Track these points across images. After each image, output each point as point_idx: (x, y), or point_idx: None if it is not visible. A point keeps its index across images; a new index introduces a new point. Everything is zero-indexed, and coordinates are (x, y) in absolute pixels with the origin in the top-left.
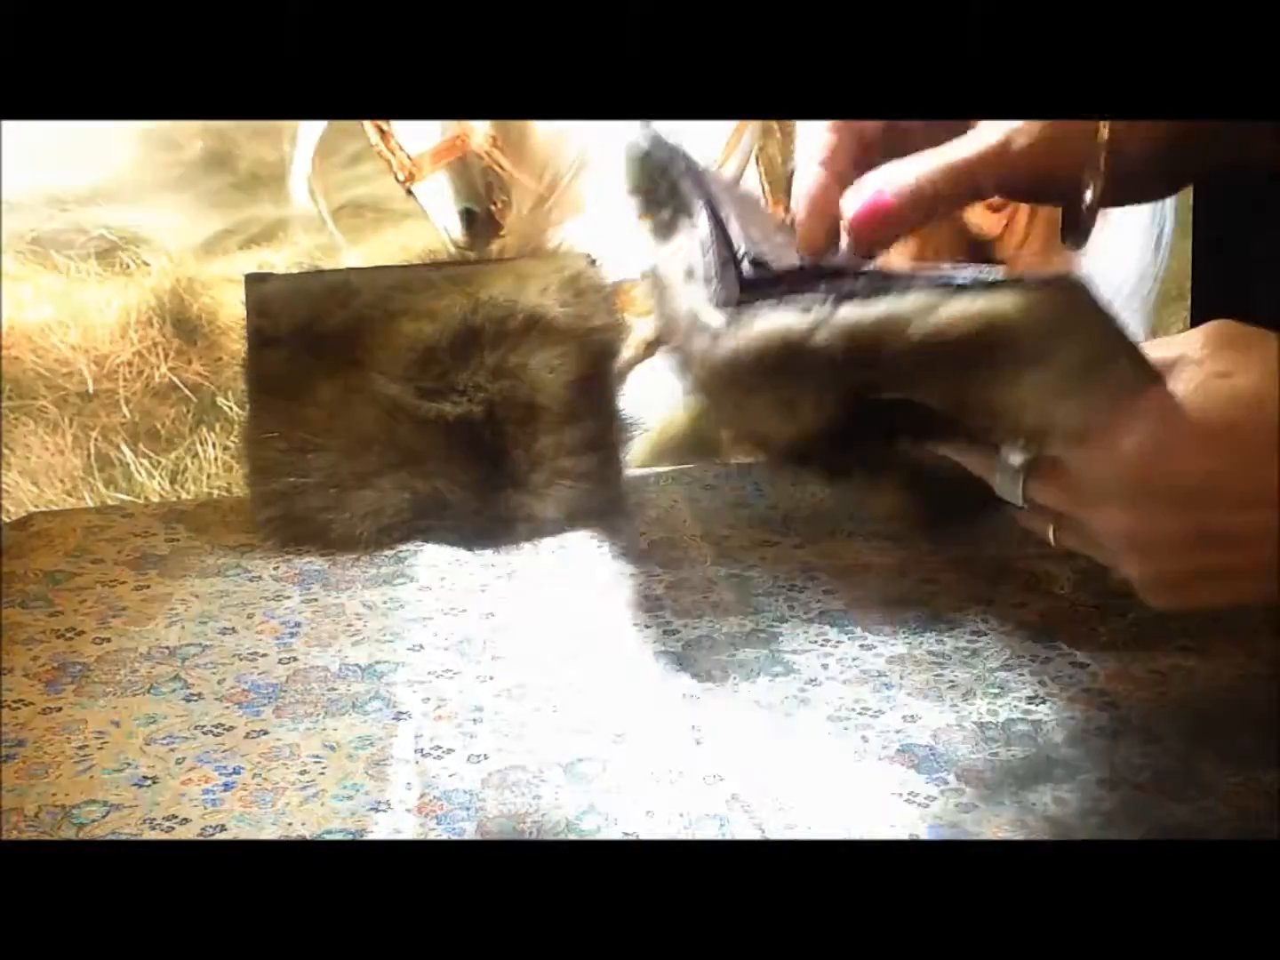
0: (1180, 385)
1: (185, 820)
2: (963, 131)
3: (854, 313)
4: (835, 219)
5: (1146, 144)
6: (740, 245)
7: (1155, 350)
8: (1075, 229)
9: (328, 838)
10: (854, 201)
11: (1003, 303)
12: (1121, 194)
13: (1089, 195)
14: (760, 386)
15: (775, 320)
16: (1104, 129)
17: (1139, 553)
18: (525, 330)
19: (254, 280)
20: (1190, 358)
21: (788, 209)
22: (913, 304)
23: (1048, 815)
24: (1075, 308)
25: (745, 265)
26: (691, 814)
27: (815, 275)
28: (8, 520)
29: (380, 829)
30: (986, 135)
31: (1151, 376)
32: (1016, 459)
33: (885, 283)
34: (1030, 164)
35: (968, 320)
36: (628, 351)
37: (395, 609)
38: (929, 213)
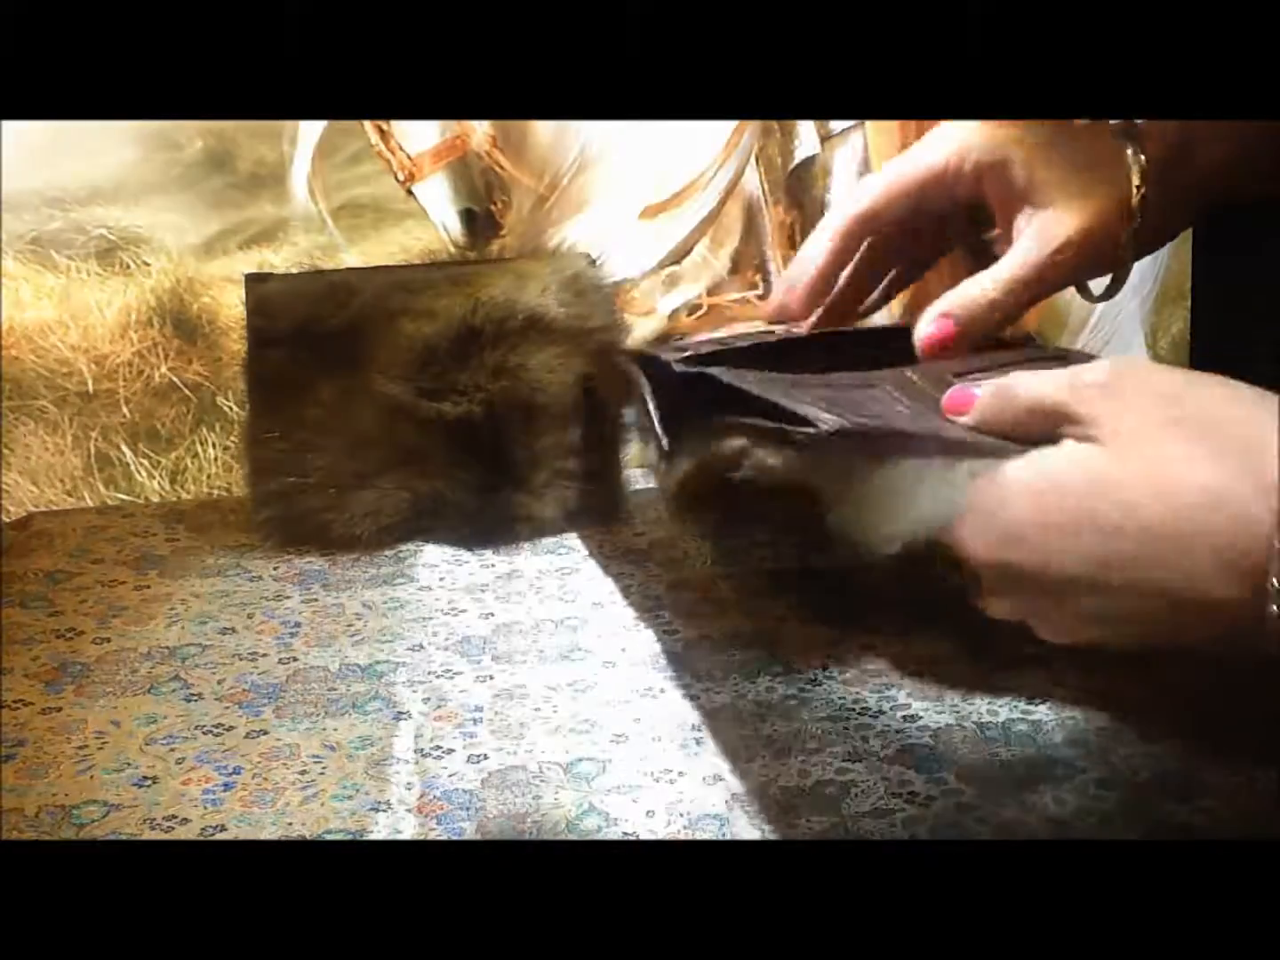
0: (1038, 459)
1: (185, 820)
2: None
3: (705, 450)
4: (818, 296)
5: (1167, 204)
6: (666, 355)
7: (1045, 386)
8: (1111, 288)
9: (328, 838)
10: (924, 328)
11: (782, 459)
12: (1146, 251)
13: (1125, 258)
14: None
15: (681, 466)
16: (1136, 197)
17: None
18: (525, 330)
19: (254, 280)
20: (1068, 412)
21: (787, 209)
22: (731, 448)
23: (1048, 815)
24: (844, 461)
25: (677, 366)
26: (691, 814)
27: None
28: (8, 520)
29: (380, 829)
30: (1036, 250)
31: (970, 486)
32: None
33: (724, 423)
34: (1077, 266)
35: (766, 470)
36: None
37: (395, 609)
38: (997, 328)
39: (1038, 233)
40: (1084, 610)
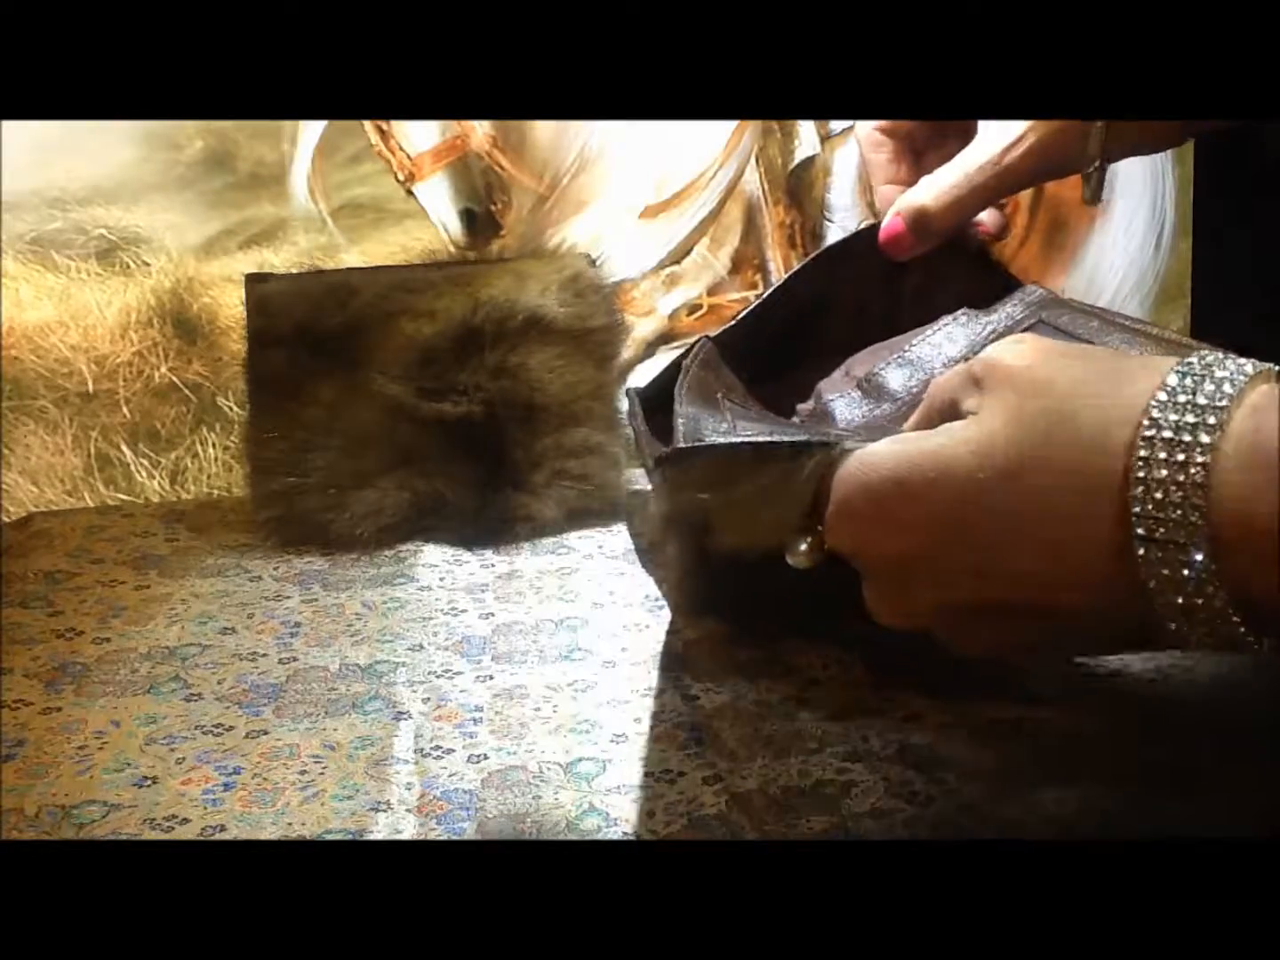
0: (893, 443)
1: (185, 820)
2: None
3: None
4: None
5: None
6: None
7: (947, 377)
8: (1092, 189)
9: (328, 838)
10: (884, 226)
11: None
12: (1121, 154)
13: (1097, 163)
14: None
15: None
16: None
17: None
18: (525, 330)
19: (254, 280)
20: (958, 405)
21: (787, 209)
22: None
23: (1048, 815)
24: (700, 469)
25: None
26: (691, 814)
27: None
28: (8, 520)
29: (380, 829)
30: (990, 143)
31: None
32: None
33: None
34: (1037, 161)
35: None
36: (628, 351)
37: (395, 609)
38: (956, 220)
39: (996, 127)
40: (955, 601)
